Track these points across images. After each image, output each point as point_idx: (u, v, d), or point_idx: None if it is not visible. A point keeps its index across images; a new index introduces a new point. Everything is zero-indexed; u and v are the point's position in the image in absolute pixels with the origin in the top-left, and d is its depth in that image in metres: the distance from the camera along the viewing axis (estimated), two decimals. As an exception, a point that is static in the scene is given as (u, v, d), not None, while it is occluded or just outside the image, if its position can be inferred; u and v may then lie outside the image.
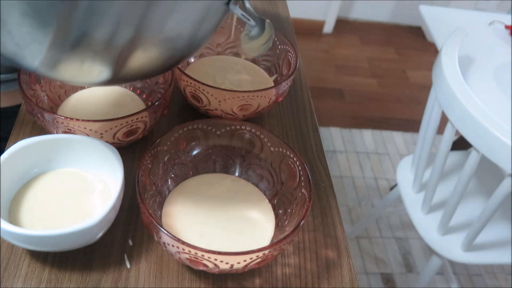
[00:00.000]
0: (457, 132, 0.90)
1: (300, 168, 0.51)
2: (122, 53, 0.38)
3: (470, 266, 1.56)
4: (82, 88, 0.64)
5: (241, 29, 0.70)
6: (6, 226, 0.42)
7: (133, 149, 0.60)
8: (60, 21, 0.34)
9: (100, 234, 0.47)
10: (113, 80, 0.42)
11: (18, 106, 0.73)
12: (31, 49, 0.36)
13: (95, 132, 0.53)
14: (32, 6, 0.33)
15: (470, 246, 1.02)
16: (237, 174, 0.57)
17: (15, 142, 0.49)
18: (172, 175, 0.54)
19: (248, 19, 0.47)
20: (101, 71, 0.39)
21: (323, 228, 0.56)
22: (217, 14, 0.41)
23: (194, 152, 0.56)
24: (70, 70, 0.39)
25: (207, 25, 0.40)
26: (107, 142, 0.52)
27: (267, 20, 0.50)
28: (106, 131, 0.53)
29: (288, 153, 0.53)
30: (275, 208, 0.54)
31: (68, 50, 0.36)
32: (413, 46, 2.61)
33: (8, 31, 0.34)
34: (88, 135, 0.53)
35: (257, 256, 0.42)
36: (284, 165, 0.54)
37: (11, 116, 0.64)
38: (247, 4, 0.47)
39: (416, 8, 2.64)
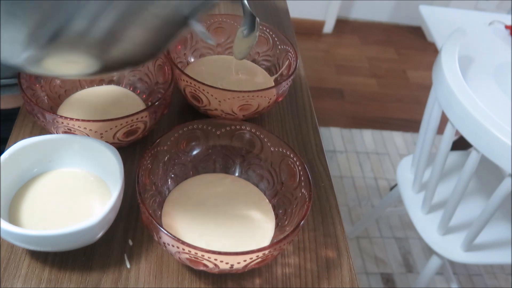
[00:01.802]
0: (457, 132, 0.90)
1: (300, 168, 0.51)
2: (99, 44, 0.38)
3: (470, 266, 1.56)
4: (82, 88, 0.64)
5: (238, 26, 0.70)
6: (6, 226, 0.42)
7: (133, 149, 0.60)
8: (33, 18, 0.34)
9: (100, 234, 0.47)
10: (100, 71, 0.42)
11: (19, 108, 0.73)
12: (9, 47, 0.36)
13: (95, 132, 0.53)
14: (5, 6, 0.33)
15: (470, 246, 1.02)
16: (237, 174, 0.57)
17: (15, 142, 0.49)
18: (172, 175, 0.54)
19: (209, 37, 0.48)
20: (85, 63, 0.40)
21: (323, 228, 0.56)
22: (175, 27, 0.42)
23: (194, 152, 0.56)
24: (55, 65, 0.39)
25: (166, 34, 0.41)
26: (107, 142, 0.52)
27: (257, 19, 0.50)
28: (106, 131, 0.53)
29: (288, 153, 0.53)
30: (275, 208, 0.54)
31: (46, 46, 0.36)
32: (413, 46, 2.61)
33: None
34: (88, 135, 0.53)
35: (257, 256, 0.42)
36: (284, 165, 0.54)
37: (11, 119, 0.64)
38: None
39: (416, 8, 2.64)
